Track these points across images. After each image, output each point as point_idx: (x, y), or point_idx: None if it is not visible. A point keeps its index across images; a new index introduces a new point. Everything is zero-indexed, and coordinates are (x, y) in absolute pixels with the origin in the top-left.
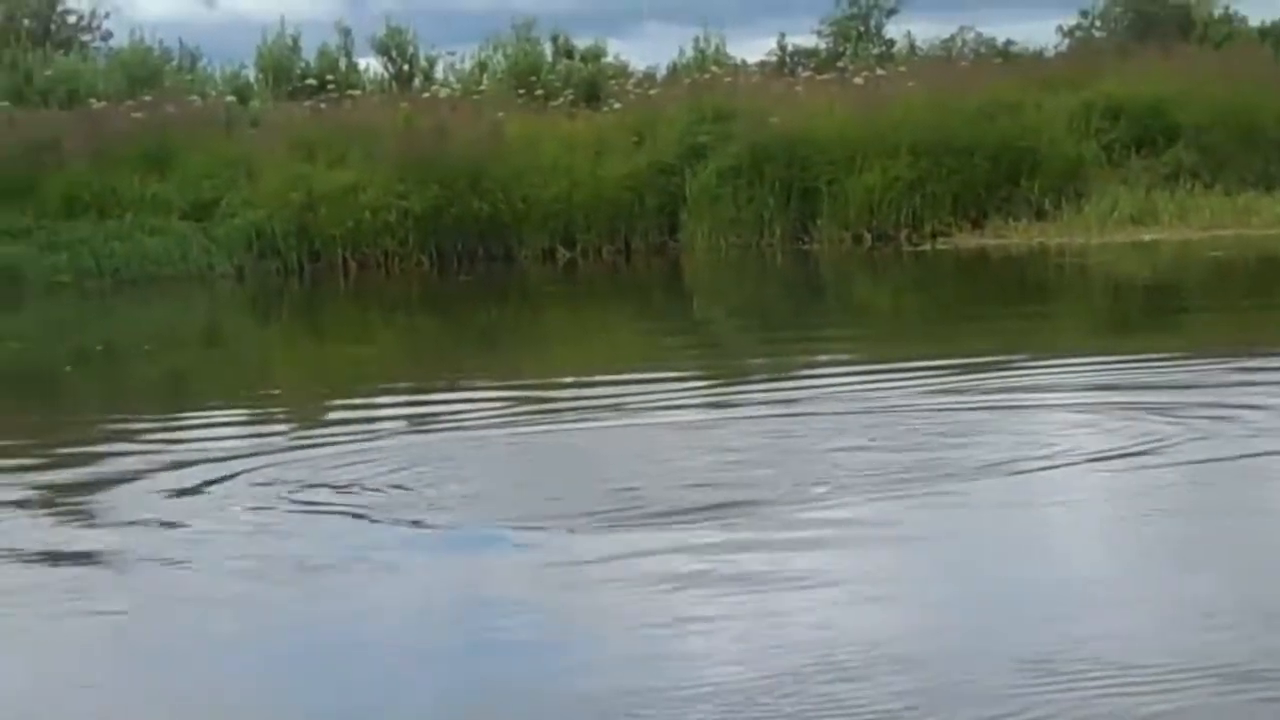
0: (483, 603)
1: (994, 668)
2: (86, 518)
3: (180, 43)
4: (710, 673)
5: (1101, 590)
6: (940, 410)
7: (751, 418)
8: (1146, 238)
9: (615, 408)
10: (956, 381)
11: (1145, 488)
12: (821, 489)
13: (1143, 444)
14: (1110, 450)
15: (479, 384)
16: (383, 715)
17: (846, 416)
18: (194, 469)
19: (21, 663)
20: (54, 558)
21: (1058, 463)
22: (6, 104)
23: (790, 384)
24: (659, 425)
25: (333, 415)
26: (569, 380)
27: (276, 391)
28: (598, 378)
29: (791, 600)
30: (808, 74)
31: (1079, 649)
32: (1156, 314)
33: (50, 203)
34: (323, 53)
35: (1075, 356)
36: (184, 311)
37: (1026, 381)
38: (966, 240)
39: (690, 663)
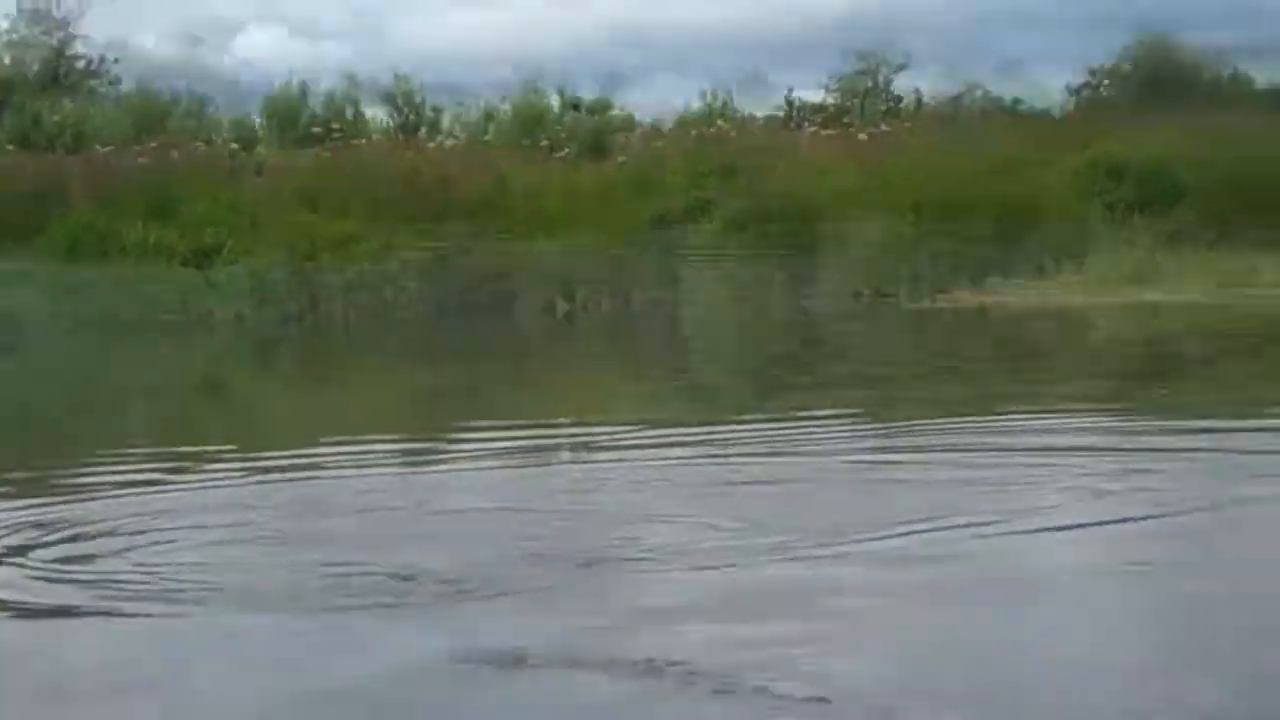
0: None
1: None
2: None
3: (188, 88)
4: None
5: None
6: (913, 464)
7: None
8: (1147, 298)
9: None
10: (937, 437)
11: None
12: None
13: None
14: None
15: (473, 431)
16: None
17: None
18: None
19: None
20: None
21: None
22: (13, 148)
23: (773, 431)
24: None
25: (324, 457)
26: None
27: (269, 436)
28: (589, 424)
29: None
30: (813, 129)
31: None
32: (1141, 373)
33: (55, 247)
34: (329, 101)
35: (1056, 414)
36: (179, 358)
37: (1007, 439)
38: (966, 298)
39: None
